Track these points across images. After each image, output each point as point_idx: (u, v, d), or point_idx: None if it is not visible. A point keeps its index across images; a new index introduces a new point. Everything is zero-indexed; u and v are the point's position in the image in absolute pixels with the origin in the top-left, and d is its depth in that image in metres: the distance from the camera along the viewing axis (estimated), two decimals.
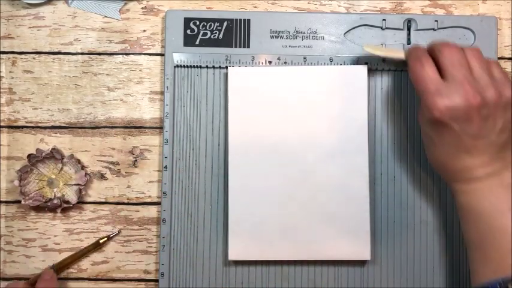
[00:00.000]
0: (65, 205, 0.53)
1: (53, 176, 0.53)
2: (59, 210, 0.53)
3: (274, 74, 0.52)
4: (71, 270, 0.54)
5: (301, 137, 0.52)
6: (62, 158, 0.53)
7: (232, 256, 0.52)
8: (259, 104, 0.52)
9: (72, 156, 0.54)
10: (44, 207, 0.53)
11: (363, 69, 0.52)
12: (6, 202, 0.54)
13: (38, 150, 0.53)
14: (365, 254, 0.51)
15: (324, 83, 0.52)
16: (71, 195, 0.53)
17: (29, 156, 0.53)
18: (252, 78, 0.52)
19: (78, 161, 0.54)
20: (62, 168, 0.53)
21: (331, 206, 0.51)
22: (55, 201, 0.53)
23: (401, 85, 0.54)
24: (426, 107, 0.44)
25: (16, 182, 0.53)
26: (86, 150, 0.55)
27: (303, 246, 0.51)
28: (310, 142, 0.52)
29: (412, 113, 0.53)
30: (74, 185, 0.53)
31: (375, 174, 0.53)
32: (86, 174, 0.54)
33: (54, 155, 0.53)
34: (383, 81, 0.54)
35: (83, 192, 0.54)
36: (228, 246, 0.51)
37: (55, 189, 0.53)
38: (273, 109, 0.52)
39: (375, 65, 0.53)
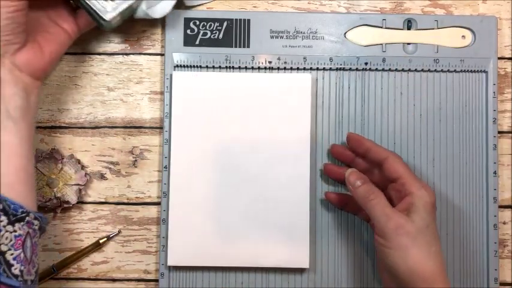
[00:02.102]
0: (65, 205, 0.53)
1: (53, 176, 0.53)
2: (58, 210, 0.53)
3: (220, 80, 0.52)
4: (71, 270, 0.54)
5: (244, 143, 0.52)
6: (62, 158, 0.53)
7: (171, 261, 0.51)
8: (204, 109, 0.52)
9: (72, 156, 0.54)
10: (44, 207, 0.53)
11: (306, 77, 0.52)
12: None
13: (37, 150, 0.53)
14: (304, 262, 0.51)
15: (269, 90, 0.52)
16: (71, 195, 0.53)
17: None
18: (197, 83, 0.52)
19: (78, 161, 0.54)
20: (61, 169, 0.53)
21: (271, 214, 0.51)
22: (55, 201, 0.53)
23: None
24: (428, 192, 0.46)
25: None
26: (85, 150, 0.55)
27: (242, 253, 0.51)
28: (253, 149, 0.52)
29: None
30: (74, 185, 0.53)
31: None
32: (86, 174, 0.54)
33: (54, 155, 0.53)
34: (383, 81, 0.54)
35: (83, 192, 0.54)
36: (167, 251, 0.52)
37: (55, 189, 0.53)
38: (217, 115, 0.52)
39: (375, 65, 0.53)
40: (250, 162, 0.52)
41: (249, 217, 0.51)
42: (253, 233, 0.51)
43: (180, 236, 0.51)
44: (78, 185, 0.53)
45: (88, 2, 0.46)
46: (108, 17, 0.46)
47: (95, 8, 0.46)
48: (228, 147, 0.52)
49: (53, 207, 0.53)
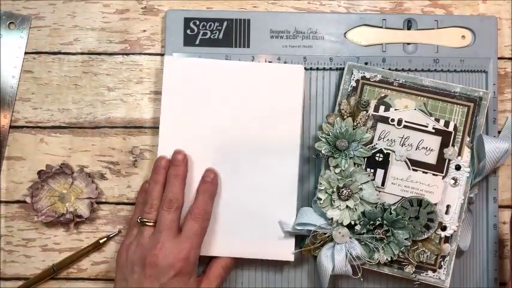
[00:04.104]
0: (78, 219, 0.53)
1: (64, 191, 0.53)
2: (72, 225, 0.53)
3: (211, 67, 0.51)
4: (70, 270, 0.54)
5: (234, 133, 0.51)
6: (72, 173, 0.53)
7: None
8: (194, 96, 0.51)
9: (82, 170, 0.54)
10: (57, 222, 0.53)
11: (299, 69, 0.51)
12: (6, 202, 0.54)
13: (47, 166, 0.53)
14: (289, 255, 0.51)
15: (260, 80, 0.51)
16: (83, 209, 0.53)
17: (39, 172, 0.53)
18: (188, 70, 0.51)
19: (88, 175, 0.54)
20: (72, 183, 0.53)
21: (258, 205, 0.51)
22: (68, 216, 0.52)
23: None
24: None
25: (28, 199, 0.53)
26: (86, 150, 0.55)
27: (229, 244, 0.51)
28: (243, 139, 0.51)
29: None
30: (86, 198, 0.53)
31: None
32: (97, 187, 0.54)
33: (64, 170, 0.53)
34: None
35: (95, 206, 0.53)
36: None
37: (67, 204, 0.53)
38: (208, 103, 0.51)
39: (375, 65, 0.53)
40: (239, 153, 0.51)
41: (236, 207, 0.51)
42: (239, 223, 0.51)
43: None
44: (90, 198, 0.53)
45: None
46: None
47: None
48: (217, 136, 0.51)
49: (66, 222, 0.53)
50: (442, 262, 0.50)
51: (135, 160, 0.55)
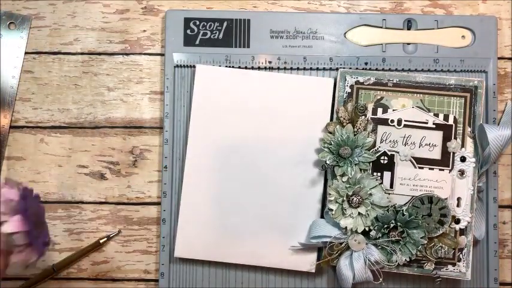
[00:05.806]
0: None
1: None
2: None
3: (242, 77, 0.52)
4: (71, 270, 0.54)
5: (261, 143, 0.52)
6: None
7: (178, 253, 0.52)
8: (224, 105, 0.52)
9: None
10: None
11: (329, 82, 0.52)
12: None
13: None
14: (311, 266, 0.51)
15: (290, 91, 0.52)
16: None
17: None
18: (219, 79, 0.52)
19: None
20: None
21: (282, 216, 0.51)
22: None
23: None
24: None
25: None
26: (86, 150, 0.55)
27: (249, 252, 0.51)
28: (270, 149, 0.52)
29: None
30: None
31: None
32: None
33: None
34: None
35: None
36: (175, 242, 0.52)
37: None
38: (237, 112, 0.52)
39: (375, 65, 0.53)
40: (266, 162, 0.52)
41: (260, 216, 0.51)
42: (263, 232, 0.51)
43: (190, 228, 0.51)
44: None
45: None
46: None
47: None
48: (245, 145, 0.52)
49: None
50: (461, 255, 0.51)
51: (135, 160, 0.55)
